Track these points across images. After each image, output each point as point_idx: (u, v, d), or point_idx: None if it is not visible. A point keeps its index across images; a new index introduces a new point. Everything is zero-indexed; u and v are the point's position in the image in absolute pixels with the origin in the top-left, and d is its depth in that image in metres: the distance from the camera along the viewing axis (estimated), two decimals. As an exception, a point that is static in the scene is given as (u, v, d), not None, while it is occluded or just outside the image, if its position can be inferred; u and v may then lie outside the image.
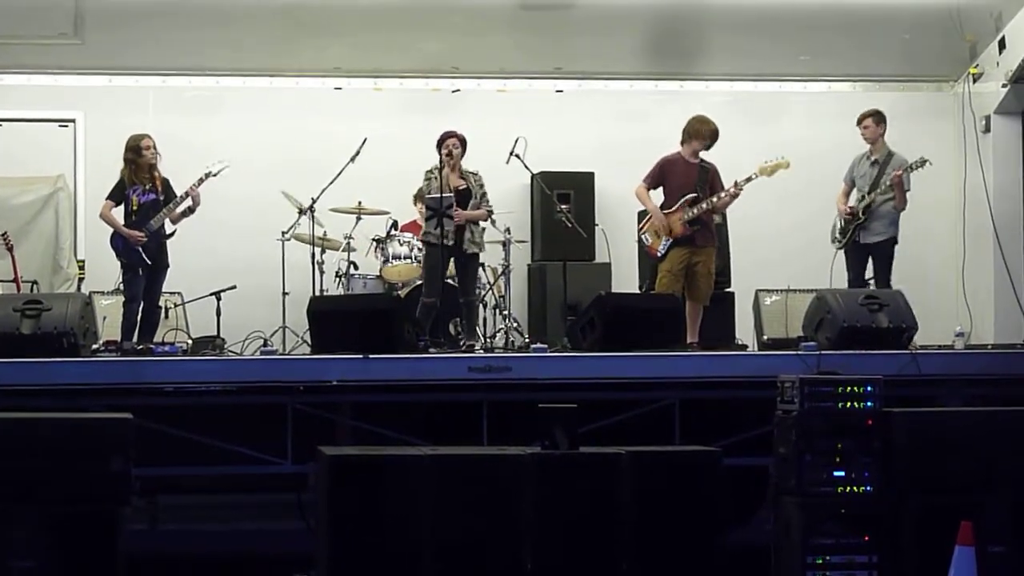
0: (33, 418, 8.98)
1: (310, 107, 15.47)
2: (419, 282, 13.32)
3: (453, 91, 15.74)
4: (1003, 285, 14.80)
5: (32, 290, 13.58)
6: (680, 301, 12.25)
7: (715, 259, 12.96)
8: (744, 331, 14.25)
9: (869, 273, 13.32)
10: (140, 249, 12.43)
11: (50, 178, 15.08)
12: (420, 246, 13.31)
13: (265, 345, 12.04)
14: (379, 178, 14.23)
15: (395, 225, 14.11)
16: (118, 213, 12.62)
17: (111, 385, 10.16)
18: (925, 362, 10.82)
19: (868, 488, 9.53)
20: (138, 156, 12.58)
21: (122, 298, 12.67)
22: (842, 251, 13.37)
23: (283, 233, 13.63)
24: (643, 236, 12.86)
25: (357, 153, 13.45)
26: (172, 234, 12.72)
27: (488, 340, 13.25)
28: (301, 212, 13.61)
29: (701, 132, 12.72)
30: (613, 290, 14.25)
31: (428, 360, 10.91)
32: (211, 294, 13.53)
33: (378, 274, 13.94)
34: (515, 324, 14.15)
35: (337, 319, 11.08)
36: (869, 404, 9.59)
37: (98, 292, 13.54)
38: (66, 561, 8.67)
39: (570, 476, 9.08)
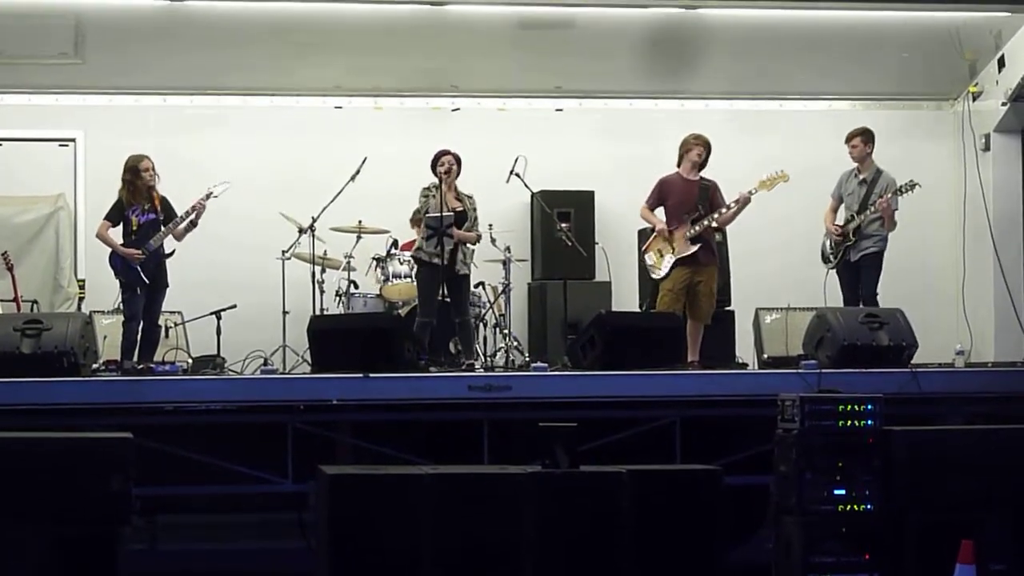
0: (33, 438, 8.98)
1: (311, 126, 15.48)
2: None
3: (453, 110, 15.75)
4: (1003, 303, 14.81)
5: (32, 309, 13.57)
6: (681, 320, 12.25)
7: (717, 278, 12.95)
8: (744, 349, 14.24)
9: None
10: (139, 268, 12.41)
11: (50, 197, 15.08)
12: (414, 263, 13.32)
13: (265, 364, 12.07)
14: (379, 197, 14.23)
15: (395, 244, 14.11)
16: (117, 233, 12.60)
17: (111, 404, 10.19)
18: (925, 380, 10.85)
19: (869, 506, 9.54)
20: (136, 178, 12.55)
21: (122, 317, 12.66)
22: (834, 271, 13.34)
23: (283, 252, 13.64)
24: (646, 256, 12.86)
25: (357, 172, 13.46)
26: (171, 253, 12.70)
27: (488, 359, 13.25)
28: (301, 231, 13.62)
29: (688, 143, 12.77)
30: (613, 309, 14.27)
31: (428, 379, 10.93)
32: (211, 313, 13.52)
33: (378, 293, 13.94)
34: (515, 343, 14.15)
35: (337, 338, 11.09)
36: (869, 422, 9.60)
37: (98, 311, 13.54)
38: (66, 581, 8.68)
39: (571, 495, 9.07)
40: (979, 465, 9.63)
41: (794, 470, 9.51)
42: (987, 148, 15.39)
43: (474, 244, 13.13)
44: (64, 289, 14.82)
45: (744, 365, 13.38)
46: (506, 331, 14.02)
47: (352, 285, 14.05)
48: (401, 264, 13.82)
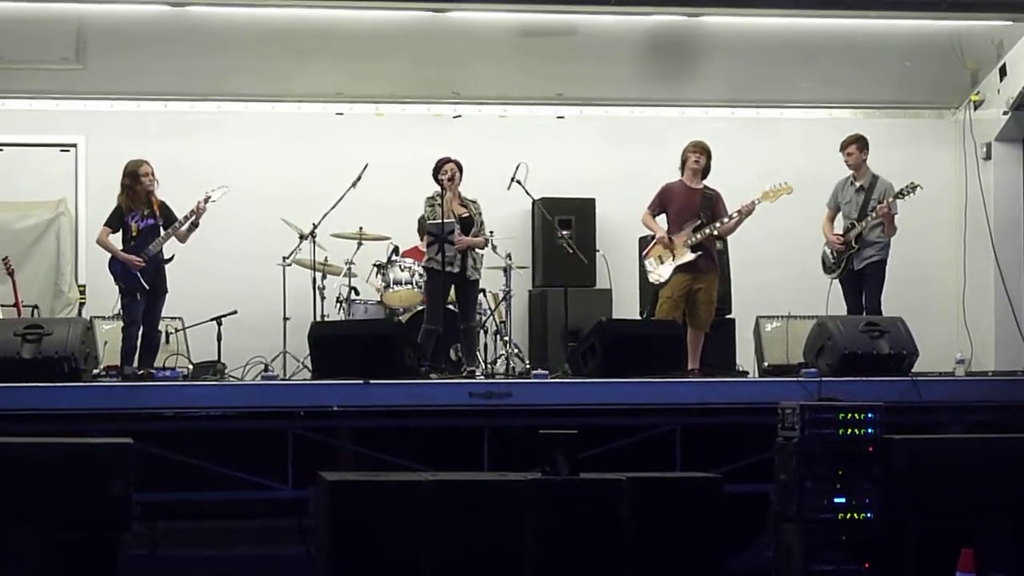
0: (33, 443, 8.99)
1: (312, 132, 15.47)
2: (420, 308, 13.33)
3: (455, 117, 15.75)
4: (1004, 312, 14.81)
5: (33, 314, 13.56)
6: (681, 327, 12.24)
7: (717, 286, 12.94)
8: (745, 357, 14.23)
9: (866, 299, 13.32)
10: (138, 274, 12.42)
11: (51, 203, 15.08)
12: (421, 272, 13.31)
13: (266, 370, 12.04)
14: (380, 203, 14.23)
15: (396, 251, 14.09)
16: (116, 239, 12.61)
17: (111, 410, 10.19)
18: (926, 389, 10.84)
19: (869, 515, 9.55)
20: (136, 182, 12.57)
21: (122, 323, 12.65)
22: (836, 280, 13.32)
23: (284, 258, 13.63)
24: (647, 262, 12.86)
25: (358, 178, 13.46)
26: (171, 259, 12.72)
27: (489, 366, 13.23)
28: (302, 237, 13.61)
29: (687, 150, 12.78)
30: (614, 316, 14.26)
31: (429, 386, 10.92)
32: (212, 319, 13.50)
33: (379, 299, 13.93)
34: (516, 350, 14.15)
35: (338, 344, 11.09)
36: (870, 431, 9.61)
37: (99, 317, 13.52)
38: (66, 587, 8.69)
39: (571, 502, 9.08)
40: (979, 474, 9.65)
41: (794, 478, 9.52)
42: (988, 157, 15.40)
43: (483, 248, 13.16)
44: (65, 294, 14.81)
45: (745, 373, 13.37)
46: (507, 338, 14.02)
47: (353, 292, 14.03)
48: (402, 271, 13.80)
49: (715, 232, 12.67)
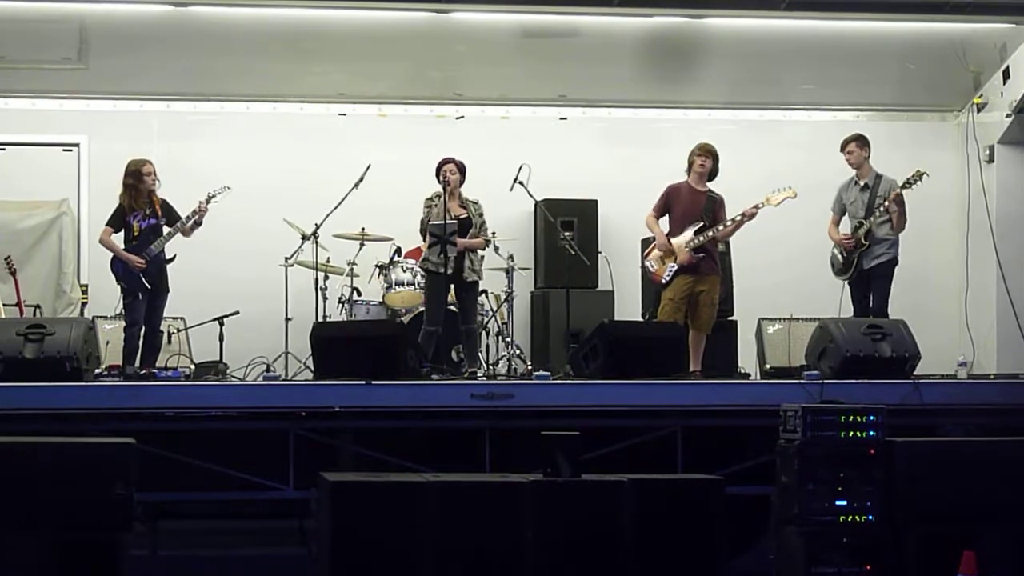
0: (35, 443, 8.99)
1: (314, 133, 15.46)
2: (422, 308, 13.33)
3: (457, 118, 15.74)
4: (1006, 315, 14.79)
5: (35, 314, 13.57)
6: (683, 329, 12.24)
7: (719, 288, 12.93)
8: (747, 360, 14.23)
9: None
10: (140, 274, 12.43)
11: (54, 202, 15.07)
12: (423, 273, 13.31)
13: (268, 371, 12.03)
14: (383, 204, 14.22)
15: (398, 251, 14.10)
16: (118, 239, 12.62)
17: (113, 410, 10.19)
18: (927, 392, 10.83)
19: (870, 517, 9.55)
20: (138, 182, 12.57)
21: (124, 323, 12.66)
22: (846, 282, 13.29)
23: (286, 259, 13.63)
24: (648, 262, 12.86)
25: (361, 179, 13.47)
26: (172, 259, 12.72)
27: (491, 367, 13.23)
28: (304, 238, 13.61)
29: (693, 154, 12.77)
30: (616, 318, 14.26)
31: (431, 387, 10.92)
32: (214, 319, 13.51)
33: (381, 300, 13.94)
34: (518, 351, 14.15)
35: (340, 345, 11.09)
36: (872, 433, 9.62)
37: (101, 316, 13.55)
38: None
39: (572, 503, 9.09)
40: (981, 477, 9.65)
41: (796, 480, 9.52)
42: (991, 160, 15.39)
43: (483, 249, 13.17)
44: (67, 294, 14.81)
45: (746, 375, 13.36)
46: (509, 339, 14.02)
47: (355, 292, 14.04)
48: (404, 271, 13.82)
49: (717, 235, 12.67)
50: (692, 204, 12.68)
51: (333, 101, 15.60)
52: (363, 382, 10.38)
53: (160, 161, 12.88)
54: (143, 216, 12.56)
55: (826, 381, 10.78)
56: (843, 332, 11.30)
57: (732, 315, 14.34)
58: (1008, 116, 15.08)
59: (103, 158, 14.76)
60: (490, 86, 15.65)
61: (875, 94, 15.98)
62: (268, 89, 15.37)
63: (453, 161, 13.00)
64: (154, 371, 11.91)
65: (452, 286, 12.91)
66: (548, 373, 11.66)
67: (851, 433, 9.60)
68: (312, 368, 11.54)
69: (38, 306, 13.99)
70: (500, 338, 14.12)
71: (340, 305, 14.03)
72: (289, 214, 13.88)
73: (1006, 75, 15.07)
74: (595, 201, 15.45)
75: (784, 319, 14.19)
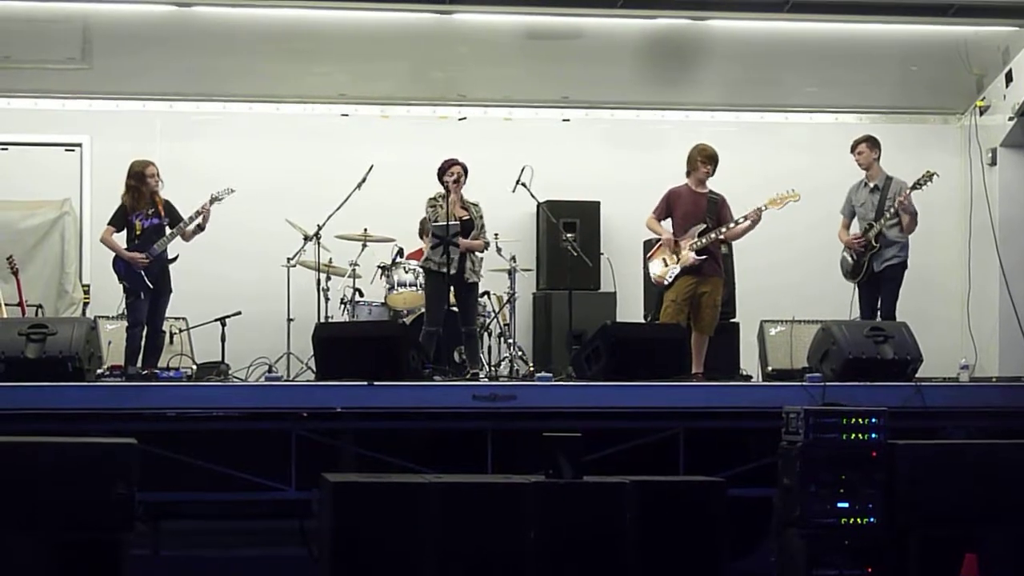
0: (37, 443, 8.99)
1: (317, 133, 15.47)
2: (423, 310, 13.32)
3: (460, 119, 15.75)
4: (1008, 318, 14.77)
5: (37, 314, 13.56)
6: (685, 331, 12.24)
7: (722, 290, 12.92)
8: (749, 362, 14.22)
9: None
10: (142, 273, 12.43)
11: (56, 202, 15.07)
12: (424, 273, 13.30)
13: (270, 371, 12.04)
14: (385, 205, 14.23)
15: (400, 252, 14.11)
16: (120, 238, 12.63)
17: (115, 410, 10.18)
18: (929, 394, 10.81)
19: (872, 520, 9.55)
20: (141, 183, 12.58)
21: (126, 323, 12.66)
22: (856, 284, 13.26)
23: (288, 259, 13.63)
24: (651, 263, 12.85)
25: (363, 180, 13.47)
26: (175, 259, 12.73)
27: (493, 368, 13.24)
28: (307, 238, 13.62)
29: (696, 158, 12.76)
30: (618, 319, 14.25)
31: (433, 388, 10.92)
32: (216, 320, 13.51)
33: (383, 301, 13.94)
34: (520, 352, 14.14)
35: (342, 346, 11.09)
36: (874, 436, 9.61)
37: (103, 317, 13.56)
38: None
39: (574, 505, 9.09)
40: (983, 479, 9.65)
41: (798, 483, 9.52)
42: (993, 163, 15.39)
43: (482, 251, 13.18)
44: (69, 294, 14.81)
45: (748, 377, 13.37)
46: (511, 341, 14.02)
47: (357, 293, 14.05)
48: (406, 272, 13.82)
49: (722, 236, 12.67)
50: (694, 206, 12.68)
51: (336, 102, 15.61)
52: (365, 383, 10.37)
53: (162, 161, 12.89)
54: (145, 216, 12.56)
55: (828, 383, 10.77)
56: (845, 334, 11.29)
57: (734, 317, 14.35)
58: (1011, 119, 15.08)
59: (106, 158, 14.76)
60: (493, 87, 15.65)
61: (877, 96, 15.97)
62: (271, 89, 15.38)
63: (458, 162, 13.00)
64: (156, 371, 11.92)
65: (452, 287, 12.91)
66: (550, 375, 11.67)
67: (853, 435, 9.59)
68: (314, 369, 11.54)
69: (40, 306, 13.98)
70: (502, 339, 14.12)
71: (342, 306, 14.03)
72: (291, 215, 13.88)
73: (1009, 78, 15.06)
74: (597, 203, 15.46)
75: (786, 321, 14.19)
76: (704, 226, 12.59)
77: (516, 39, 14.88)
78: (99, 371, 11.35)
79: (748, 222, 12.65)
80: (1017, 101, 14.92)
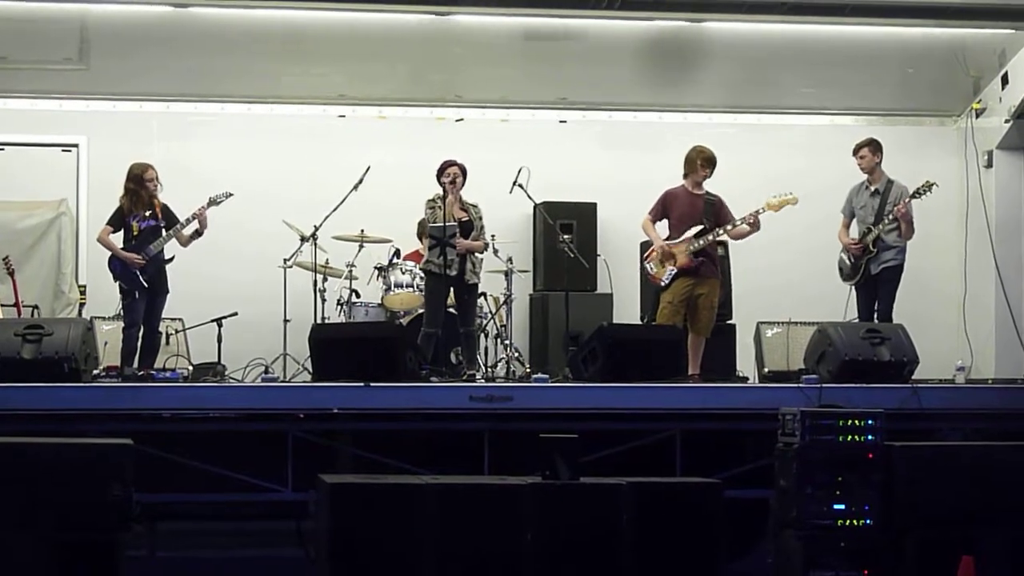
0: (33, 443, 8.98)
1: (314, 135, 15.46)
2: (421, 311, 13.33)
3: (457, 120, 15.75)
4: (1004, 320, 14.81)
5: (33, 315, 13.55)
6: (682, 333, 12.24)
7: (718, 291, 12.92)
8: (745, 363, 14.23)
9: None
10: (138, 273, 12.43)
11: (53, 203, 15.07)
12: (422, 275, 13.31)
13: (266, 372, 12.03)
14: (382, 206, 14.23)
15: (397, 253, 14.10)
16: (117, 239, 12.62)
17: (111, 410, 10.19)
18: (926, 396, 10.82)
19: (868, 521, 9.56)
20: (140, 187, 12.58)
21: (122, 323, 12.66)
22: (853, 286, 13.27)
23: (285, 260, 13.62)
24: (647, 265, 12.86)
25: (360, 181, 13.46)
26: (171, 259, 12.73)
27: (489, 370, 13.23)
28: (304, 239, 13.61)
29: (695, 160, 12.76)
30: (615, 321, 14.25)
31: (429, 389, 10.92)
32: (212, 320, 13.50)
33: (380, 302, 13.94)
34: (517, 354, 14.14)
35: (339, 347, 11.09)
36: (870, 437, 9.62)
37: (99, 317, 13.53)
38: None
39: (571, 506, 9.09)
40: (979, 481, 9.65)
41: (794, 484, 9.53)
42: (989, 165, 15.41)
43: (482, 252, 13.18)
44: (65, 295, 14.80)
45: (745, 379, 13.37)
46: (507, 342, 14.02)
47: (354, 294, 14.04)
48: (403, 274, 13.82)
49: (721, 236, 12.67)
50: (690, 208, 12.69)
51: (333, 103, 15.60)
52: (362, 384, 10.38)
53: (160, 162, 12.90)
54: (143, 217, 12.56)
55: (825, 385, 10.78)
56: (842, 336, 11.29)
57: (731, 319, 14.34)
58: (1007, 121, 15.09)
59: (103, 159, 14.75)
60: (490, 89, 15.65)
61: (874, 98, 15.98)
62: (268, 90, 15.38)
63: (456, 163, 13.00)
64: (152, 372, 11.90)
65: (452, 288, 12.91)
66: (547, 376, 11.68)
67: (850, 437, 9.60)
68: (311, 370, 11.54)
69: (36, 306, 13.97)
70: (499, 340, 14.12)
71: (339, 307, 14.02)
72: (288, 215, 13.87)
73: (1005, 80, 15.08)
74: (594, 204, 15.46)
75: (783, 323, 14.19)
76: (701, 227, 12.59)
77: (513, 40, 14.89)
78: (95, 372, 11.34)
79: (747, 227, 12.66)
80: (1013, 103, 14.94)
